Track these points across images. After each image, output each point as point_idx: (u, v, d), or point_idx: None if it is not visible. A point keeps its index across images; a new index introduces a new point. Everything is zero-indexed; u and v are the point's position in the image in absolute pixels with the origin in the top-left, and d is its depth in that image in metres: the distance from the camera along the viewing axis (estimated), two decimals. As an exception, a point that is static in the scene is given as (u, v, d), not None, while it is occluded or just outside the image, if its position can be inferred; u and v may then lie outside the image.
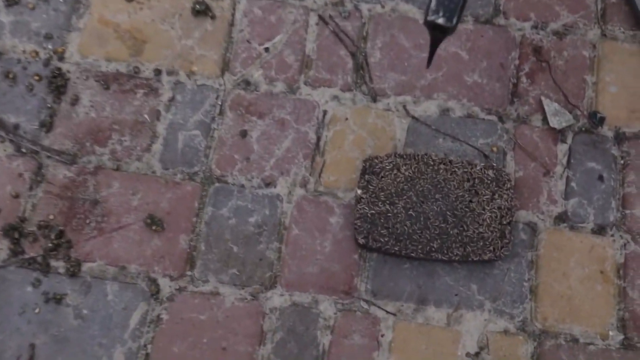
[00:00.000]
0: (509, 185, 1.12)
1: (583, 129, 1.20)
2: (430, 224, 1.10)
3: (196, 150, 1.16)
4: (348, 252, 1.11)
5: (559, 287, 1.11)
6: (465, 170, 1.13)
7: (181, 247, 1.11)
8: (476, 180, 1.12)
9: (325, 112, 1.20)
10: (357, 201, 1.11)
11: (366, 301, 1.09)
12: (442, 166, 1.13)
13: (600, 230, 1.14)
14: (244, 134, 1.17)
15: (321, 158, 1.17)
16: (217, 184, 1.15)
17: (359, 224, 1.10)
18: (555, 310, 1.09)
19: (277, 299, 1.09)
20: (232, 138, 1.17)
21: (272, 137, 1.18)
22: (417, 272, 1.11)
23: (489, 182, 1.13)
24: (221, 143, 1.17)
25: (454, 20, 0.80)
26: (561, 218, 1.15)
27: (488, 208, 1.11)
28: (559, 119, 1.18)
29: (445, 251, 1.09)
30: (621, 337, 1.08)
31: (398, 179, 1.12)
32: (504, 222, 1.11)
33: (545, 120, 1.20)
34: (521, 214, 1.14)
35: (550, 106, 1.19)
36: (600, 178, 1.17)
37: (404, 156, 1.14)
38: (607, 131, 1.20)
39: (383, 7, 1.26)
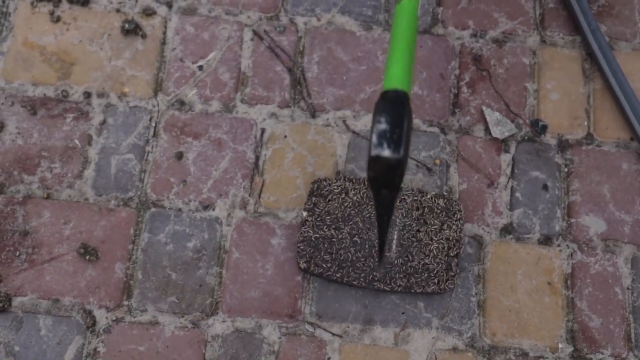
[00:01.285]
0: (459, 216, 1.15)
1: (526, 137, 1.24)
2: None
3: (130, 174, 1.17)
4: (291, 275, 1.13)
5: (506, 300, 1.14)
6: (415, 198, 1.16)
7: (117, 276, 1.12)
8: (426, 209, 1.15)
9: (263, 130, 1.21)
10: (302, 223, 1.13)
11: (311, 324, 1.11)
12: None
13: (546, 240, 1.18)
14: (179, 155, 1.19)
15: (260, 178, 1.19)
16: (153, 209, 1.16)
17: (301, 247, 1.12)
18: (503, 324, 1.13)
19: (219, 325, 1.10)
20: (168, 161, 1.19)
21: (209, 158, 1.19)
22: (362, 292, 1.13)
23: (438, 211, 1.15)
24: (156, 166, 1.18)
25: (401, 150, 0.78)
26: (507, 229, 1.18)
27: (436, 239, 1.13)
28: (501, 128, 1.22)
29: (388, 281, 1.11)
30: (571, 349, 1.11)
31: (345, 204, 1.15)
32: (451, 254, 1.13)
33: (487, 130, 1.23)
34: (467, 227, 1.17)
35: (491, 116, 1.23)
36: (545, 187, 1.21)
37: (353, 180, 1.16)
38: (550, 139, 1.23)
39: (319, 20, 1.29)
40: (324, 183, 1.16)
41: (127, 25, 1.24)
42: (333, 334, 1.10)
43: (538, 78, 1.27)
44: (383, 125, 0.78)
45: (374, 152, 0.78)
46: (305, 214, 1.14)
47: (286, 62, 1.25)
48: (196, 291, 1.12)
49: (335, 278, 1.11)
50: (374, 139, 0.79)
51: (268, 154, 1.20)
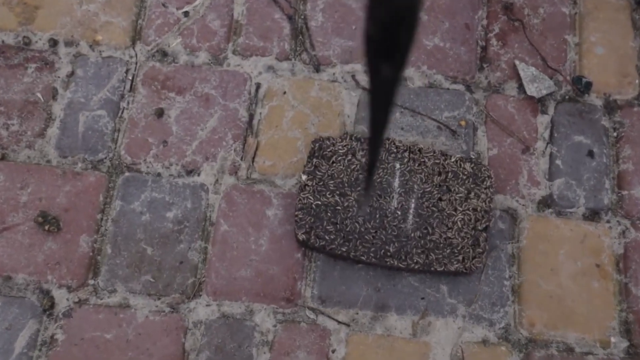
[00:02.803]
0: (488, 183, 1.04)
1: (567, 97, 1.14)
2: (387, 222, 1.02)
3: (101, 134, 1.07)
4: (289, 251, 1.02)
5: (547, 285, 1.02)
6: (437, 161, 1.05)
7: (82, 250, 1.00)
8: (449, 174, 1.05)
9: (258, 86, 1.12)
10: (301, 189, 1.03)
11: (313, 310, 0.99)
12: (407, 154, 1.05)
13: (593, 215, 1.07)
14: (160, 113, 1.09)
15: (254, 139, 1.08)
16: (127, 174, 1.05)
17: (300, 215, 1.01)
18: (544, 313, 1.01)
19: (202, 310, 0.99)
20: (146, 118, 1.09)
21: (194, 116, 1.09)
22: (374, 272, 1.02)
23: (464, 177, 1.05)
24: (132, 125, 1.08)
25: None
26: (546, 202, 1.07)
27: (460, 209, 1.03)
28: (537, 85, 1.12)
29: (404, 257, 1.00)
30: (625, 344, 1.00)
31: (352, 166, 1.04)
32: (479, 228, 1.02)
33: (521, 88, 1.13)
34: (498, 199, 1.06)
35: (526, 71, 1.13)
36: (590, 154, 1.10)
37: (362, 139, 1.06)
38: (595, 99, 1.13)
39: (325, -38, 1.20)
40: (327, 142, 1.05)
41: (102, -34, 1.15)
42: (339, 322, 0.99)
43: (580, 30, 1.17)
44: None
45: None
46: (304, 177, 1.03)
47: (286, 8, 1.15)
48: (176, 269, 1.00)
49: (340, 252, 0.99)
50: None
51: (264, 112, 1.10)
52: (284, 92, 1.12)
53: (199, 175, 1.06)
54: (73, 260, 1.00)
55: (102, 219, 1.02)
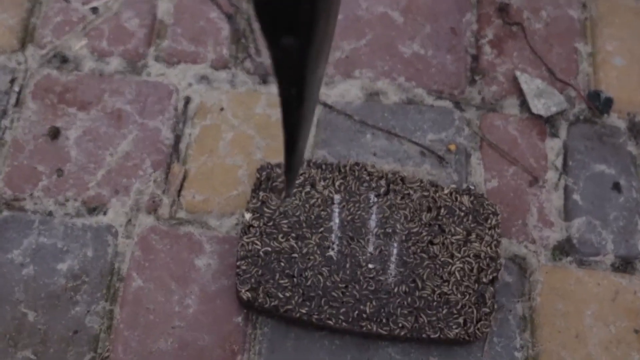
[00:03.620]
0: (493, 222, 0.84)
1: (581, 117, 0.95)
2: (362, 274, 0.80)
3: (-26, 160, 0.85)
4: (226, 314, 0.80)
5: (571, 357, 0.81)
6: (425, 194, 0.84)
7: (-64, 316, 0.77)
8: (441, 210, 0.84)
9: (187, 100, 0.92)
10: (244, 231, 0.81)
11: (258, 395, 0.76)
12: (384, 184, 0.84)
13: (625, 265, 0.87)
14: (54, 133, 0.88)
15: (181, 167, 0.87)
16: (5, 213, 0.84)
17: (244, 267, 0.79)
18: (569, 395, 0.79)
19: (102, 398, 0.75)
20: (35, 140, 0.88)
21: (101, 138, 0.88)
22: (340, 341, 0.79)
23: (462, 215, 0.84)
24: (16, 149, 0.87)
25: None
26: (563, 249, 0.87)
27: (459, 255, 0.82)
28: (545, 102, 0.93)
29: (385, 320, 0.78)
30: None
31: (312, 201, 0.83)
32: (484, 280, 0.81)
33: (524, 105, 0.95)
34: (502, 245, 0.86)
35: (530, 84, 0.94)
36: (616, 187, 0.91)
37: (323, 166, 0.86)
38: (616, 120, 0.95)
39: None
40: (278, 171, 0.84)
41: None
42: (294, 412, 0.75)
43: (592, 37, 1.00)
44: None
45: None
46: (248, 216, 0.81)
47: (225, 6, 0.97)
48: (67, 341, 0.77)
49: (298, 315, 0.77)
50: None
51: (195, 133, 0.90)
52: (221, 109, 0.92)
53: (105, 214, 0.84)
54: None
55: (-33, 272, 0.79)
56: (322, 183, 0.85)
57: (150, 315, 0.80)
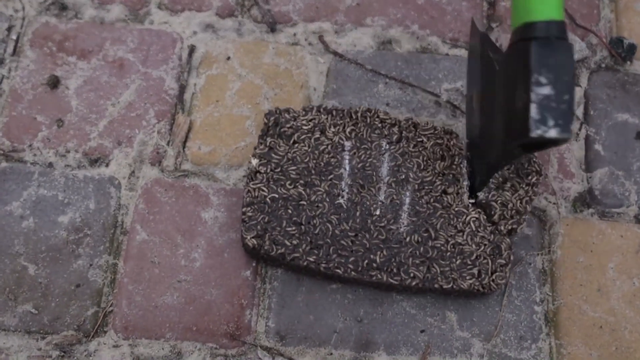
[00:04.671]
0: (534, 180, 0.82)
1: (603, 64, 0.94)
2: (372, 223, 0.78)
3: (-30, 111, 0.84)
4: (234, 268, 0.79)
5: (593, 311, 0.80)
6: (440, 141, 0.83)
7: None
8: (456, 159, 0.83)
9: (192, 49, 0.92)
10: (251, 177, 0.80)
11: (268, 350, 0.76)
12: (397, 131, 0.83)
13: (649, 217, 0.86)
14: (54, 82, 0.88)
15: (186, 118, 0.86)
16: (4, 164, 0.84)
17: (249, 213, 0.78)
18: (592, 350, 0.78)
19: (107, 353, 0.74)
20: (34, 90, 0.88)
21: (102, 87, 0.87)
22: (354, 295, 0.78)
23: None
24: (15, 99, 0.87)
25: (571, 127, 0.67)
26: (584, 200, 0.86)
27: (474, 205, 0.81)
28: (565, 49, 0.92)
29: (395, 269, 0.77)
30: (703, 391, 0.78)
31: (321, 148, 0.82)
32: (502, 229, 0.80)
33: None
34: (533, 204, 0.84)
35: (550, 31, 0.93)
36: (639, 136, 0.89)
37: (334, 112, 0.84)
38: (640, 67, 0.94)
39: None
40: (287, 116, 0.83)
41: None
42: (305, 367, 0.74)
43: (614, -19, 0.98)
44: (546, 89, 0.66)
45: (535, 131, 0.66)
46: (255, 161, 0.80)
47: (230, -49, 0.94)
48: (70, 295, 0.77)
49: (305, 264, 0.76)
50: (534, 111, 0.66)
51: (200, 83, 0.89)
52: (228, 58, 0.90)
53: (107, 165, 0.84)
54: None
55: (-35, 225, 0.78)
56: (333, 129, 0.83)
57: (156, 269, 0.79)
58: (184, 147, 0.85)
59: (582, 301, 0.81)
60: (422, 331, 0.79)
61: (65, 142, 0.85)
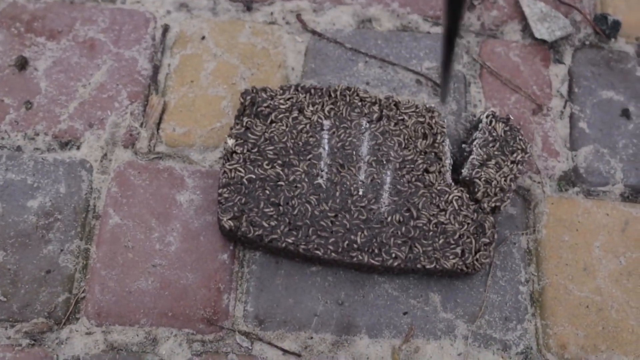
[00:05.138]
0: (519, 158, 0.80)
1: (587, 42, 0.92)
2: (352, 203, 0.77)
3: (-64, 94, 0.81)
4: (211, 251, 0.77)
5: (579, 291, 0.78)
6: (421, 120, 0.81)
7: None
8: (438, 137, 0.81)
9: (166, 28, 0.90)
10: (227, 158, 0.78)
11: (246, 335, 0.73)
12: (378, 110, 0.81)
13: (635, 194, 0.84)
14: (22, 63, 0.86)
15: (160, 99, 0.83)
16: None
17: (226, 194, 0.76)
18: (578, 330, 0.76)
19: (79, 341, 0.72)
20: (1, 72, 0.85)
21: (72, 68, 0.85)
22: (334, 277, 0.76)
23: (490, 140, 0.81)
24: None
25: None
26: (569, 179, 0.84)
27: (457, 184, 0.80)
28: (549, 26, 0.90)
29: (377, 250, 0.76)
30: (692, 371, 0.76)
31: (299, 127, 0.80)
32: (485, 206, 0.78)
33: (526, 30, 0.92)
34: (518, 181, 0.83)
35: (533, 8, 0.91)
36: (625, 114, 0.88)
37: (312, 91, 0.83)
38: (624, 45, 0.92)
39: None
40: (264, 95, 0.81)
41: None
42: (285, 352, 0.73)
43: (596, -43, 0.97)
44: None
45: None
46: (231, 142, 0.78)
47: None
48: (40, 281, 0.74)
49: (284, 245, 0.74)
50: None
51: (174, 63, 0.87)
52: (203, 37, 0.88)
53: (78, 148, 0.81)
54: None
55: None
56: (311, 108, 0.82)
57: (129, 253, 0.77)
58: (157, 128, 0.83)
59: (567, 281, 0.80)
60: (404, 313, 0.77)
61: (34, 125, 0.82)
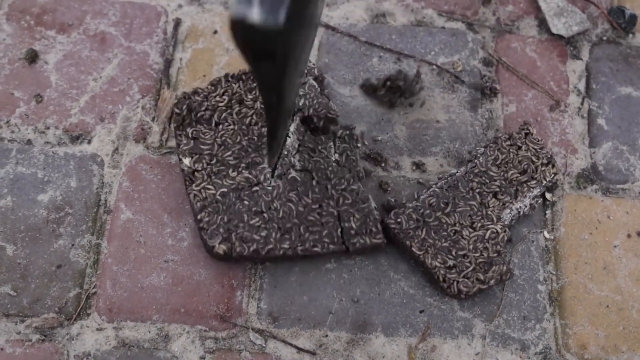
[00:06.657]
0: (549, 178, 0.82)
1: (604, 37, 0.93)
2: (332, 188, 0.78)
3: (-55, 87, 0.83)
4: (223, 248, 0.77)
5: (599, 290, 0.78)
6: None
7: None
8: None
9: (178, 22, 0.90)
10: (190, 179, 0.77)
11: (260, 332, 0.74)
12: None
13: (655, 192, 0.85)
14: (32, 57, 0.87)
15: (172, 93, 0.84)
16: None
17: (206, 219, 0.75)
18: (598, 330, 0.77)
19: (90, 337, 0.72)
20: (11, 65, 0.86)
21: (83, 62, 0.86)
22: (349, 275, 0.77)
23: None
24: None
25: (281, 14, 0.51)
26: (588, 176, 0.85)
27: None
28: (566, 21, 0.91)
29: (375, 229, 0.76)
30: None
31: (247, 120, 0.80)
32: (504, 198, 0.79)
33: (543, 25, 0.93)
34: (521, 173, 0.83)
35: (549, 3, 0.92)
36: (644, 110, 0.89)
37: (243, 77, 0.83)
38: (642, 39, 0.93)
39: None
40: (198, 98, 0.80)
41: None
42: (299, 350, 0.73)
43: (615, -49, 0.98)
44: None
45: (235, 12, 0.51)
46: (187, 160, 0.77)
47: None
48: (50, 276, 0.75)
49: (282, 253, 0.74)
50: None
51: (186, 57, 0.88)
52: (215, 32, 0.89)
53: (89, 142, 0.82)
54: None
55: (-61, 205, 0.76)
56: (250, 96, 0.81)
57: (141, 248, 0.77)
58: (169, 123, 0.84)
59: (587, 279, 0.80)
60: (421, 311, 0.77)
61: (45, 118, 0.83)
